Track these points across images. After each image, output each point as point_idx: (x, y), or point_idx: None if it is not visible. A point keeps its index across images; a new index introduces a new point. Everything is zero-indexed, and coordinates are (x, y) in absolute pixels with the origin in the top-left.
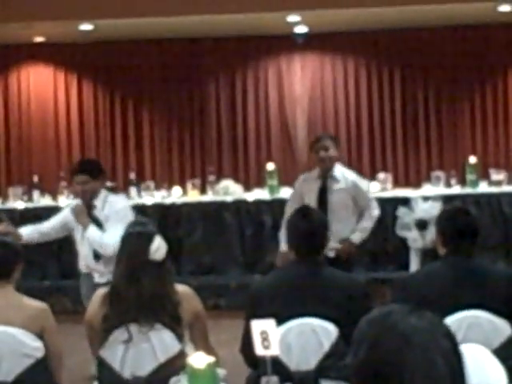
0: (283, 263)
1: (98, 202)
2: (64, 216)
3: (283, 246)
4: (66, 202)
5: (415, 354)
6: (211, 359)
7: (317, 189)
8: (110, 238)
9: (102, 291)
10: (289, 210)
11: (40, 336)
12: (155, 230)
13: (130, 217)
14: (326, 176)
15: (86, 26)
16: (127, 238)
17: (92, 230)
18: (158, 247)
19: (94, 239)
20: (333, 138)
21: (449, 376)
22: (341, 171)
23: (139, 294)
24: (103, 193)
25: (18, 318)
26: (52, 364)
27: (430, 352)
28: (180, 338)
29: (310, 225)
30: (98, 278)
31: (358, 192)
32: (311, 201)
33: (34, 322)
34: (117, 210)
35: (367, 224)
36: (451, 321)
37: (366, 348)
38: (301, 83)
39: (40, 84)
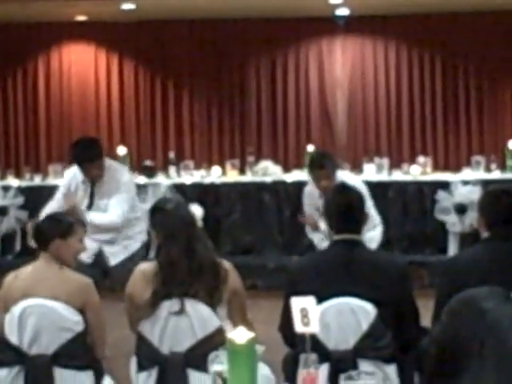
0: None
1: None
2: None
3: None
4: None
5: (487, 329)
6: (251, 335)
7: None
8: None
9: (143, 266)
10: None
11: (82, 310)
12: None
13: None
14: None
15: (128, 6)
16: (167, 217)
17: (93, 215)
18: (199, 213)
19: (101, 223)
20: (331, 159)
21: None
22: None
23: (199, 263)
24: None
25: (62, 291)
26: (95, 338)
27: (504, 330)
28: (215, 309)
29: (348, 200)
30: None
31: None
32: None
33: (77, 295)
34: (123, 182)
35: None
36: None
37: (447, 319)
38: (341, 66)
39: (81, 63)
